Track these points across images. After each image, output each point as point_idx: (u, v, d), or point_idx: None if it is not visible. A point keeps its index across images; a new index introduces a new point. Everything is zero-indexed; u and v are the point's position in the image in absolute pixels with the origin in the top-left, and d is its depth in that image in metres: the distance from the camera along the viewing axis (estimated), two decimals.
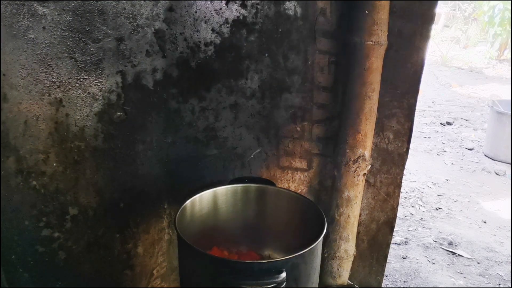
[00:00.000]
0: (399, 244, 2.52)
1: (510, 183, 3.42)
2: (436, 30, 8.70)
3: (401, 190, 1.67)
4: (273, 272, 0.97)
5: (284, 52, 1.43)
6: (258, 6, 1.35)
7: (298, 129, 1.54)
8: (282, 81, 1.46)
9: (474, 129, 4.72)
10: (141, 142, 1.30)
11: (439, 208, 3.00)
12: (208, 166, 1.46)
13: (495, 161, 3.85)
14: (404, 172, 1.63)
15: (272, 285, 0.95)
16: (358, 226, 1.65)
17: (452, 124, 4.87)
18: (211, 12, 1.28)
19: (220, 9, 1.30)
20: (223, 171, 1.49)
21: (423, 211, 2.94)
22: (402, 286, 2.17)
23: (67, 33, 1.08)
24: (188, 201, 1.23)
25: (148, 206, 1.39)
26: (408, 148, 1.59)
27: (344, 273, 1.66)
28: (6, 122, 1.06)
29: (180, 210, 1.18)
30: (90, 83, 1.15)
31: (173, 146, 1.36)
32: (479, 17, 8.33)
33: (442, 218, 2.87)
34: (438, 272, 2.29)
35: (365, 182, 1.60)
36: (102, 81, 1.17)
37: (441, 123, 4.90)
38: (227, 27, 1.32)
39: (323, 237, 1.10)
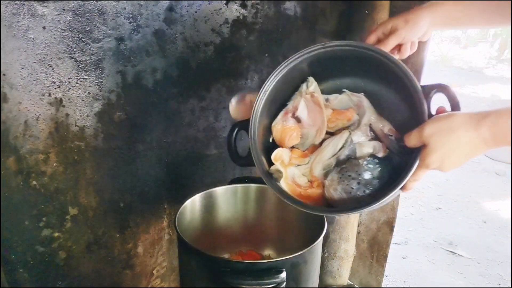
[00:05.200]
0: (399, 244, 2.52)
1: (510, 183, 3.42)
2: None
3: None
4: (273, 272, 0.97)
5: (284, 52, 1.43)
6: (258, 6, 1.35)
7: None
8: None
9: None
10: (141, 142, 1.30)
11: (439, 208, 3.00)
12: (208, 166, 1.46)
13: (495, 161, 3.85)
14: None
15: (272, 285, 0.95)
16: (358, 226, 1.66)
17: None
18: (211, 12, 1.28)
19: (220, 9, 1.30)
20: (223, 171, 1.49)
21: (423, 211, 2.94)
22: (402, 286, 2.17)
23: (67, 33, 1.08)
24: (188, 201, 1.23)
25: (148, 206, 1.39)
26: None
27: (344, 273, 1.66)
28: (6, 122, 1.06)
29: (180, 210, 1.18)
30: (90, 83, 1.15)
31: (173, 146, 1.36)
32: None
33: (442, 218, 2.87)
34: (438, 272, 2.29)
35: None
36: (102, 81, 1.17)
37: None
38: (227, 27, 1.32)
39: (323, 237, 1.10)
